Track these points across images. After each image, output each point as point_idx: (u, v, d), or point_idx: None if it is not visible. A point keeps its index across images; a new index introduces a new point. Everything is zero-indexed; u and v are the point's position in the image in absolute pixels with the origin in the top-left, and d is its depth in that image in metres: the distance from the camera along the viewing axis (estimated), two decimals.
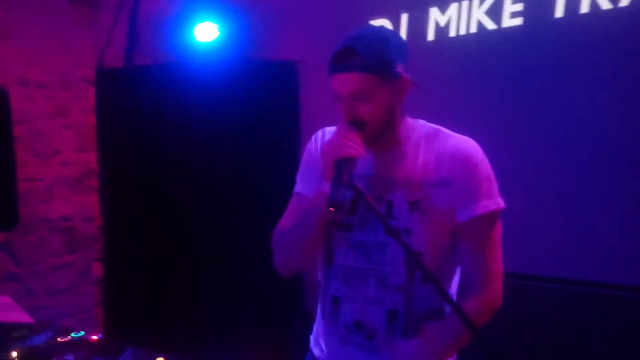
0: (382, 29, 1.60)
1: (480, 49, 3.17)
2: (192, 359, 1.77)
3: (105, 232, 4.06)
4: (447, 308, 1.60)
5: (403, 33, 3.44)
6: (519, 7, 3.04)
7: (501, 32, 3.11)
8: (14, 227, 2.95)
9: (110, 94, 3.97)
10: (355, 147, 1.43)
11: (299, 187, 1.71)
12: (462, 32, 3.25)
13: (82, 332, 1.97)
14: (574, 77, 2.88)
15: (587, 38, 2.80)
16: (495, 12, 3.11)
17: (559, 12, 2.92)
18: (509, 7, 3.08)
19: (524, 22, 3.03)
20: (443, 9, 3.30)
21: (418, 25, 3.38)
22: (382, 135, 1.56)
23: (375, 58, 1.45)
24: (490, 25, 3.14)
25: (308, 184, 1.67)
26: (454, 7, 3.26)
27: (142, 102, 3.85)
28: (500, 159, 2.95)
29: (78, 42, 3.87)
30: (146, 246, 3.90)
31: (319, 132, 1.74)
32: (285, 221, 1.66)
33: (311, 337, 1.84)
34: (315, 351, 1.78)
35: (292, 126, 3.47)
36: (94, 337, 1.92)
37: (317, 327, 1.80)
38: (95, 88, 3.96)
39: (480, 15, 3.17)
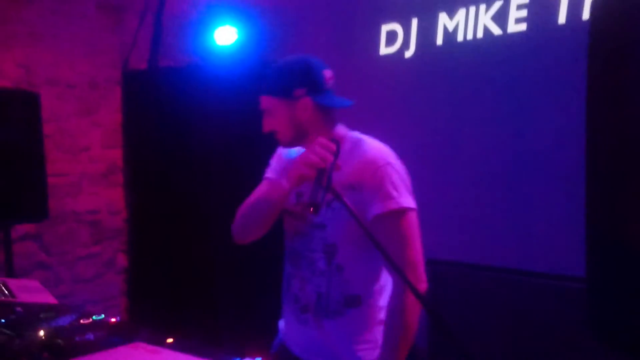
0: (290, 59, 1.91)
1: (487, 53, 3.28)
2: (204, 342, 1.93)
3: (129, 224, 4.26)
4: (365, 298, 1.86)
5: (413, 37, 3.57)
6: (524, 13, 3.13)
7: (506, 37, 3.20)
8: (44, 219, 3.15)
9: (135, 94, 4.17)
10: (323, 159, 1.65)
11: (267, 173, 2.08)
12: (470, 37, 3.36)
13: (103, 315, 2.16)
14: (576, 82, 2.97)
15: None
16: (501, 17, 3.21)
17: (562, 18, 3.00)
18: (514, 13, 3.18)
19: (528, 27, 3.12)
20: (451, 14, 3.41)
21: (428, 30, 3.50)
22: (298, 141, 1.88)
23: (273, 84, 1.85)
24: (496, 30, 3.25)
25: (274, 172, 2.04)
26: (461, 12, 3.37)
27: (165, 102, 4.04)
28: (503, 158, 3.07)
29: (105, 44, 4.09)
30: (168, 238, 4.09)
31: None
32: (251, 197, 1.98)
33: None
34: (280, 326, 2.09)
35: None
36: (113, 320, 2.10)
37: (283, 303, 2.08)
38: (121, 88, 4.17)
39: (486, 20, 3.28)
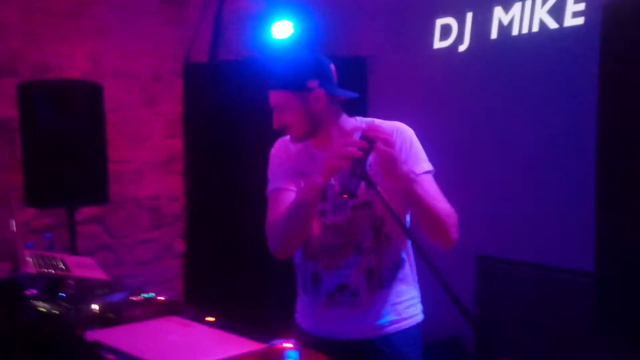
0: (300, 53, 1.99)
1: (542, 48, 3.23)
2: (253, 324, 2.02)
3: (187, 211, 4.44)
4: (406, 258, 1.99)
5: (467, 31, 3.55)
6: (581, 6, 3.06)
7: (563, 31, 3.14)
8: (104, 203, 3.34)
9: (195, 86, 4.33)
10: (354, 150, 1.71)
11: (277, 184, 2.06)
12: (525, 31, 3.32)
13: (152, 294, 2.29)
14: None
15: None
16: (557, 11, 3.16)
17: None
18: (571, 7, 3.11)
19: (586, 21, 3.05)
20: (507, 8, 3.37)
21: (482, 24, 3.48)
22: (312, 134, 1.93)
23: (283, 78, 1.88)
24: (552, 24, 3.19)
25: (284, 179, 2.03)
26: (517, 6, 3.33)
27: (223, 94, 4.17)
28: (558, 155, 3.01)
29: (167, 38, 4.26)
30: (223, 225, 4.24)
31: (280, 141, 2.11)
32: (276, 212, 2.01)
33: (296, 314, 2.16)
34: (302, 323, 2.11)
35: None
36: (160, 298, 2.23)
37: (300, 302, 2.15)
38: (182, 80, 4.34)
39: (542, 14, 3.23)
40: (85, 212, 3.88)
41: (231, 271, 4.18)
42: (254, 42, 4.16)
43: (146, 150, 4.25)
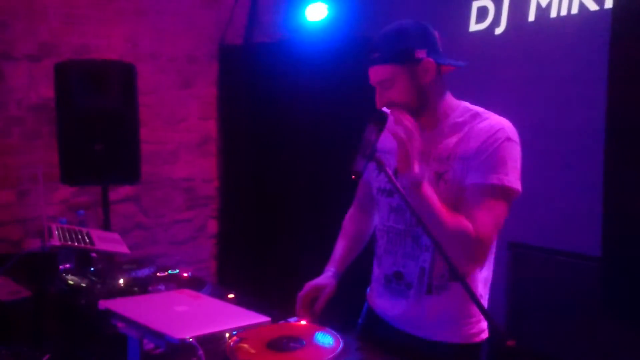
0: (402, 22, 1.75)
1: (582, 30, 3.14)
2: (284, 305, 2.05)
3: (220, 192, 4.50)
4: (471, 272, 1.78)
5: (504, 13, 3.47)
6: None
7: (603, 13, 3.05)
8: (136, 182, 3.40)
9: (230, 69, 4.36)
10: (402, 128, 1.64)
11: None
12: (564, 12, 3.23)
13: (177, 270, 2.33)
14: None
15: None
16: None
17: None
18: None
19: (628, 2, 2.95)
20: None
21: (520, 6, 3.40)
22: (420, 112, 1.75)
23: (391, 50, 1.69)
24: (592, 6, 3.10)
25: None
26: None
27: (258, 76, 4.19)
28: (596, 140, 2.93)
29: (203, 20, 4.30)
30: (256, 207, 4.29)
31: None
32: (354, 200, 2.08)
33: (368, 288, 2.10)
34: (369, 293, 2.07)
35: None
36: (185, 275, 2.28)
37: (373, 272, 2.06)
38: (218, 63, 4.38)
39: None
40: (121, 191, 3.98)
41: (263, 252, 4.23)
42: (289, 25, 4.16)
43: (181, 131, 4.31)
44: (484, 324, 1.84)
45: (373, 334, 1.99)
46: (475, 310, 1.81)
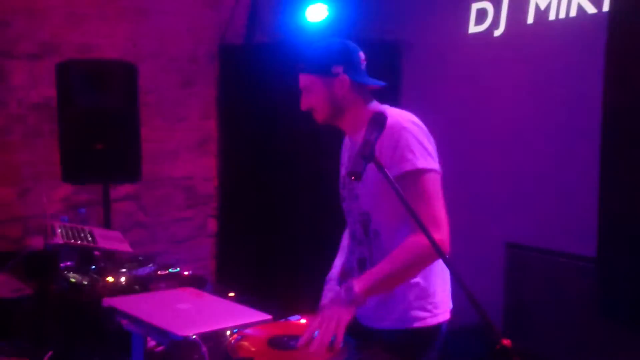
0: (330, 40, 2.01)
1: (580, 33, 3.16)
2: (284, 304, 2.09)
3: (220, 191, 4.52)
4: None
5: (503, 15, 3.49)
6: None
7: (601, 16, 3.07)
8: (137, 181, 3.43)
9: (231, 69, 4.38)
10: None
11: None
12: (562, 15, 3.25)
13: (178, 269, 2.36)
14: None
15: None
16: None
17: None
18: None
19: None
20: None
21: (518, 8, 3.42)
22: (334, 119, 1.98)
23: (311, 62, 1.95)
24: (590, 9, 3.12)
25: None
26: None
27: (258, 76, 4.21)
28: (593, 143, 2.96)
29: (204, 20, 4.32)
30: (255, 206, 4.31)
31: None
32: None
33: None
34: None
35: (393, 106, 3.68)
36: (186, 273, 2.30)
37: None
38: (218, 63, 4.40)
39: None
40: (121, 189, 3.99)
41: (262, 251, 4.25)
42: (289, 25, 4.18)
43: (182, 130, 4.33)
44: (435, 310, 1.94)
45: None
46: (418, 296, 1.91)
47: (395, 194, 1.57)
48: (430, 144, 1.88)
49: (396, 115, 1.91)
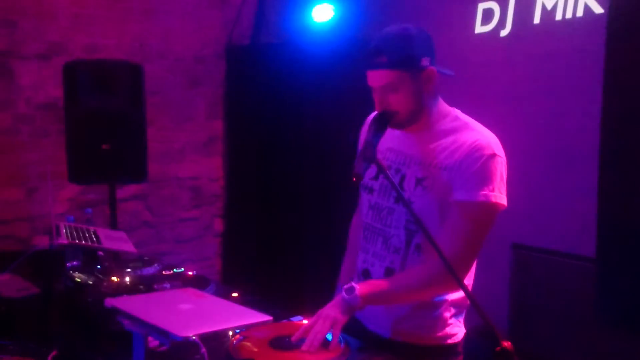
0: (407, 27, 1.77)
1: (587, 33, 3.15)
2: (288, 304, 2.09)
3: (226, 191, 4.53)
4: None
5: (510, 15, 3.48)
6: None
7: None
8: (143, 180, 3.44)
9: (237, 69, 4.39)
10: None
11: None
12: (569, 15, 3.24)
13: (182, 269, 2.37)
14: None
15: None
16: None
17: None
18: None
19: None
20: None
21: (525, 8, 3.41)
22: (413, 120, 1.79)
23: (399, 56, 1.69)
24: (597, 9, 3.11)
25: None
26: None
27: (265, 76, 4.22)
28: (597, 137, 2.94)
29: (211, 20, 4.33)
30: (261, 206, 4.32)
31: (368, 118, 1.99)
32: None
33: None
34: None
35: None
36: (190, 273, 2.31)
37: None
38: (225, 63, 4.41)
39: None
40: (128, 189, 4.01)
41: (268, 251, 4.26)
42: (295, 25, 4.19)
43: (188, 131, 4.34)
44: (456, 329, 1.87)
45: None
46: (437, 313, 1.84)
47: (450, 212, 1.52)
48: (505, 176, 1.76)
49: (486, 135, 1.77)
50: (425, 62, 1.72)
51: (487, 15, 3.60)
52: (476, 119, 1.88)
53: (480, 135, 1.75)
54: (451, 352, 1.87)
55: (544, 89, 3.34)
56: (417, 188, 1.77)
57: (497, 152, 1.73)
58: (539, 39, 3.35)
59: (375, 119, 1.72)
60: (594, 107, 3.04)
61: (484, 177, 1.69)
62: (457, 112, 1.86)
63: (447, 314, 1.85)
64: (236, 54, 4.39)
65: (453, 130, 1.79)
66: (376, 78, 1.73)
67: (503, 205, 1.72)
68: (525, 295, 3.35)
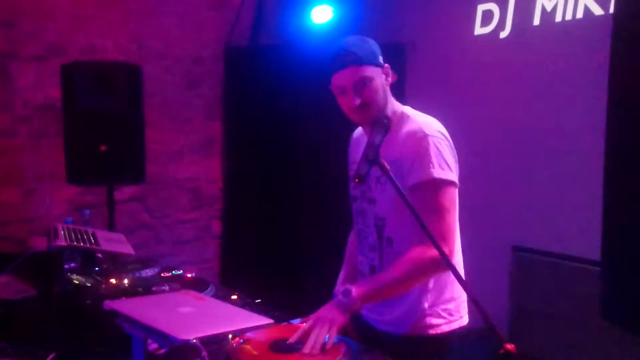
0: (357, 35, 1.94)
1: (586, 34, 3.14)
2: (285, 305, 2.08)
3: (225, 193, 4.52)
4: None
5: (509, 17, 3.48)
6: None
7: (608, 18, 3.04)
8: (141, 182, 3.43)
9: (236, 70, 4.38)
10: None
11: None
12: (569, 17, 3.24)
13: (181, 271, 2.35)
14: None
15: None
16: None
17: None
18: None
19: None
20: None
21: (524, 10, 3.41)
22: (381, 113, 1.87)
23: (366, 52, 1.85)
24: (597, 10, 3.11)
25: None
26: None
27: (263, 78, 4.21)
28: (599, 147, 2.94)
29: (209, 22, 4.32)
30: (260, 208, 4.31)
31: (354, 134, 2.13)
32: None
33: None
34: None
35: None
36: (189, 275, 2.30)
37: None
38: (223, 64, 4.40)
39: (587, 0, 3.14)
40: (126, 191, 4.00)
41: (267, 253, 4.25)
42: (294, 27, 4.18)
43: (187, 132, 4.33)
44: (450, 317, 1.92)
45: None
46: (422, 302, 1.90)
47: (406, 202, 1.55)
48: (451, 156, 1.85)
49: (422, 120, 1.88)
50: (382, 59, 1.88)
51: (487, 16, 3.60)
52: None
53: (415, 123, 1.86)
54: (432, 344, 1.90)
55: (543, 90, 3.33)
56: (377, 186, 1.89)
57: (428, 132, 1.83)
58: (538, 41, 3.35)
59: (375, 122, 1.73)
60: (594, 108, 3.03)
61: (421, 157, 1.79)
62: (407, 109, 1.96)
63: (426, 304, 1.90)
64: (235, 55, 4.38)
65: (399, 126, 1.88)
66: (347, 76, 1.83)
67: (449, 180, 1.80)
68: (525, 297, 3.34)
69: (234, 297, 2.09)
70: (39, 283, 2.18)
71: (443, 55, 3.82)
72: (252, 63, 4.33)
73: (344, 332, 1.74)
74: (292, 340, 1.60)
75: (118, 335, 1.48)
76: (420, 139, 1.81)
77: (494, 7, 3.56)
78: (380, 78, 1.86)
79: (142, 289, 2.09)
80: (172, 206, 4.32)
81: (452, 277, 1.83)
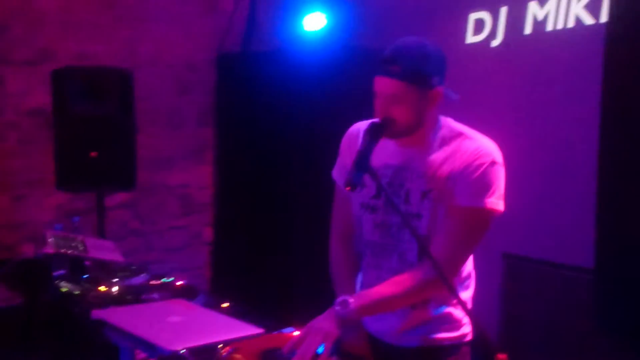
0: (425, 44, 1.74)
1: (578, 44, 3.16)
2: (278, 314, 2.05)
3: (216, 200, 4.50)
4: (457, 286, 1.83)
5: (501, 26, 3.49)
6: None
7: (599, 27, 3.06)
8: (132, 189, 3.41)
9: (228, 76, 4.37)
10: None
11: (334, 173, 2.04)
12: (560, 26, 3.25)
13: (172, 278, 2.33)
14: None
15: None
16: (593, 6, 3.08)
17: None
18: (607, 2, 3.03)
19: None
20: (542, 2, 3.31)
21: (516, 19, 3.42)
22: (408, 133, 1.78)
23: (412, 69, 1.68)
24: (588, 20, 3.12)
25: (339, 173, 1.97)
26: (552, 1, 3.26)
27: (255, 84, 4.20)
28: (590, 155, 2.95)
29: (202, 28, 4.31)
30: (251, 215, 4.29)
31: (354, 127, 1.98)
32: (335, 207, 2.06)
33: None
34: None
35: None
36: (179, 283, 2.28)
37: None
38: (216, 70, 4.39)
39: (578, 10, 3.16)
40: (116, 197, 3.97)
41: (258, 261, 4.22)
42: (287, 34, 4.18)
43: (178, 138, 4.32)
44: (467, 327, 1.89)
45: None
46: (452, 317, 1.86)
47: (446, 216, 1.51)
48: (503, 184, 1.78)
49: (487, 144, 1.79)
50: (435, 81, 1.72)
51: (479, 25, 3.60)
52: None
53: (481, 143, 1.78)
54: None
55: (535, 98, 3.34)
56: (424, 201, 1.77)
57: (497, 159, 1.76)
58: (530, 50, 3.36)
59: (369, 128, 1.71)
60: (586, 116, 3.06)
61: (484, 184, 1.72)
62: (449, 120, 1.86)
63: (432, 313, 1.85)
64: (227, 61, 4.37)
65: (450, 140, 1.80)
66: (384, 85, 1.71)
67: (500, 211, 1.75)
68: (516, 304, 3.34)
69: (225, 305, 2.07)
70: (26, 290, 2.15)
71: None
72: (245, 69, 4.32)
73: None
74: (285, 350, 1.58)
75: (106, 345, 1.46)
76: (488, 164, 1.73)
77: (486, 16, 3.57)
78: (419, 100, 1.71)
79: (131, 296, 2.07)
80: (163, 213, 4.30)
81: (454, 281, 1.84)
